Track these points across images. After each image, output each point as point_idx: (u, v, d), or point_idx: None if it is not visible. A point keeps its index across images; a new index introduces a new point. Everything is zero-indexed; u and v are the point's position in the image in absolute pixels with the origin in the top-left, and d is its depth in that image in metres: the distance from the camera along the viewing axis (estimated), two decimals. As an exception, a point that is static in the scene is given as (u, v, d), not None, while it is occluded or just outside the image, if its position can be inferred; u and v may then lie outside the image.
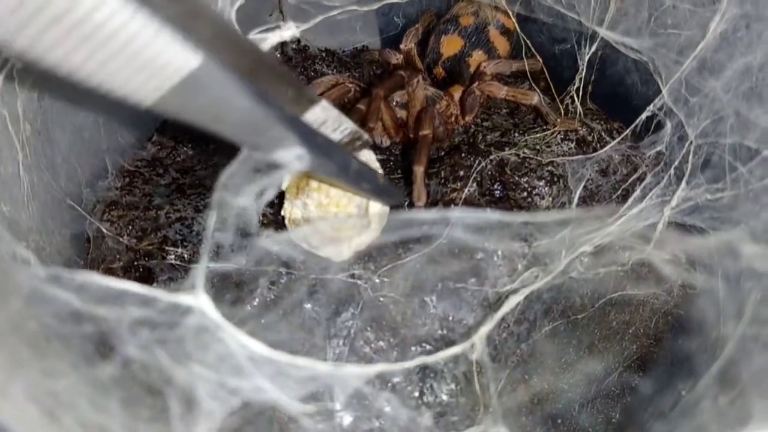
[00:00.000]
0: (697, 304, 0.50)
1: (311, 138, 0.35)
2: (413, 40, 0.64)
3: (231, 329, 0.25)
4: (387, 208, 0.51)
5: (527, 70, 0.62)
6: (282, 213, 0.50)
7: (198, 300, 0.24)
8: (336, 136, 0.39)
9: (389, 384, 0.44)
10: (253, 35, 0.32)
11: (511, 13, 0.62)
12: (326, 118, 0.36)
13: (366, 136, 0.50)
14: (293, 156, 0.33)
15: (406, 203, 0.54)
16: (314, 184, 0.47)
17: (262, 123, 0.30)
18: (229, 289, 0.46)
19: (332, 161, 0.38)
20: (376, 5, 0.46)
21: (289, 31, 0.33)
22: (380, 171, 0.51)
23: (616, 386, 0.54)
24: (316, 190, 0.47)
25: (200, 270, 0.24)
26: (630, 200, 0.50)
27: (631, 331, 0.54)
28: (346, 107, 0.59)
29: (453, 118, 0.63)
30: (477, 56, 0.62)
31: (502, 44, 0.64)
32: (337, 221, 0.47)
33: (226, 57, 0.27)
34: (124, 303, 0.24)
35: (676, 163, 0.48)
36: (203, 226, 0.53)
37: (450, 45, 0.63)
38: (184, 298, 0.24)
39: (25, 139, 0.44)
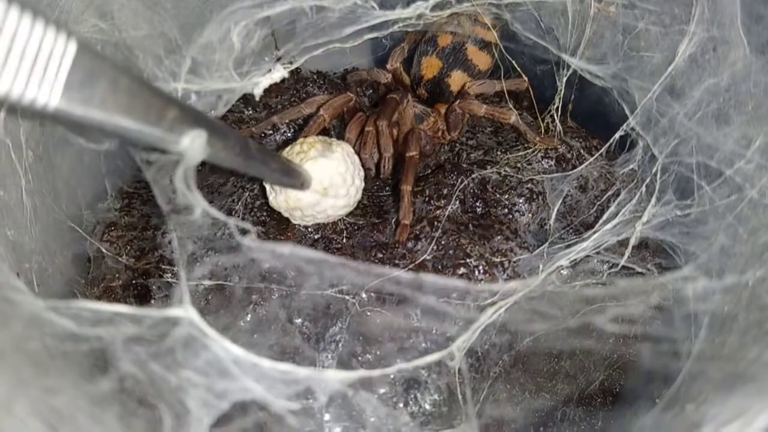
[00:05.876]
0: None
1: (206, 119, 0.34)
2: (399, 59, 0.67)
3: (216, 336, 0.27)
4: (361, 185, 0.54)
5: (512, 89, 0.64)
6: (268, 197, 0.52)
7: (187, 311, 0.26)
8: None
9: (375, 394, 0.47)
10: (246, 81, 0.34)
11: (490, 26, 0.63)
12: None
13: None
14: (193, 139, 0.31)
15: (394, 221, 0.56)
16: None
17: (153, 104, 0.29)
18: (221, 306, 0.48)
19: (233, 141, 0.37)
20: (358, 41, 0.48)
21: (278, 74, 0.35)
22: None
23: (597, 394, 0.55)
24: None
25: (182, 285, 0.26)
26: (605, 215, 0.52)
27: (611, 341, 0.56)
28: (344, 118, 0.61)
29: (440, 134, 0.65)
30: (456, 76, 0.64)
31: (482, 59, 0.64)
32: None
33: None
34: (117, 323, 0.26)
35: (648, 180, 0.50)
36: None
37: (429, 67, 0.64)
38: (173, 311, 0.27)
39: (28, 165, 0.47)
